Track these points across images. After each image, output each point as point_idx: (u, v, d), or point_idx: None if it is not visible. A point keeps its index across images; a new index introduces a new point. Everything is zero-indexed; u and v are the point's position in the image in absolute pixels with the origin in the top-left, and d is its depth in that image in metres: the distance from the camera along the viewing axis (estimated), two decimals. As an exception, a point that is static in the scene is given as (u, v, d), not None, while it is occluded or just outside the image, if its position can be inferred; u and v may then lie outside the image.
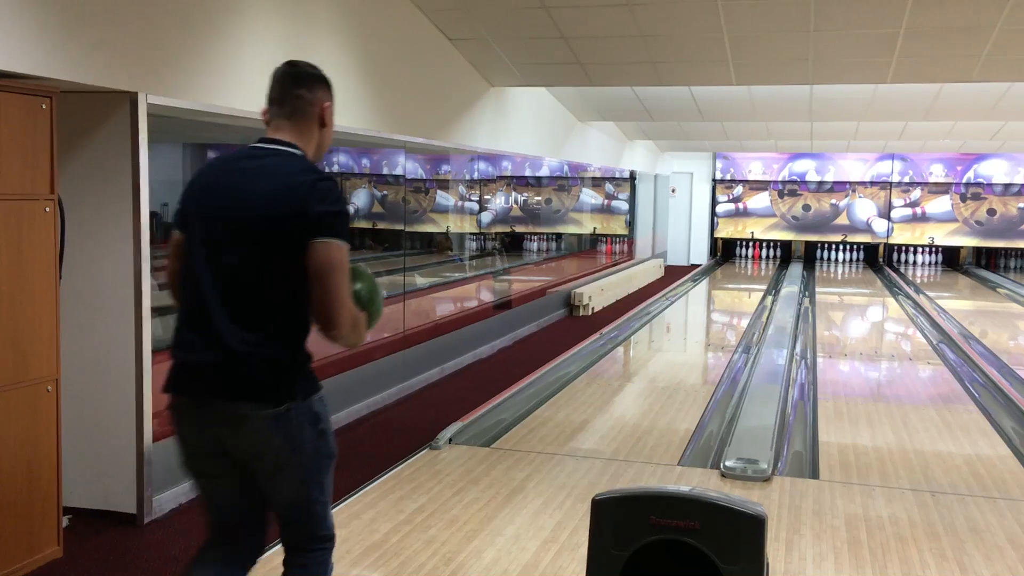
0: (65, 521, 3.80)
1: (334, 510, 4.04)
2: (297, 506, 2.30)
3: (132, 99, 3.91)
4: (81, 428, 4.06)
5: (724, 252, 18.78)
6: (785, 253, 18.39)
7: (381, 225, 10.92)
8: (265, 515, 2.39)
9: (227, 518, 2.38)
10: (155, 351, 4.17)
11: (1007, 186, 16.84)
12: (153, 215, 4.26)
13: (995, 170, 16.84)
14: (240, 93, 4.62)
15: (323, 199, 2.16)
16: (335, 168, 14.07)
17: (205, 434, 2.25)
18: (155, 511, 4.15)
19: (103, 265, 4.03)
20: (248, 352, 2.18)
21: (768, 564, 2.36)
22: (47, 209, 3.50)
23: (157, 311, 4.34)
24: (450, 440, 5.14)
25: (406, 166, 8.06)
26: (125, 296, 4.01)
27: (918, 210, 17.36)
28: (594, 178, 15.44)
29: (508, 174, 12.00)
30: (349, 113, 5.67)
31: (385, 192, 10.58)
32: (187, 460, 2.34)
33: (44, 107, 3.45)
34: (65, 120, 3.76)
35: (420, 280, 8.87)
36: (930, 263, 17.64)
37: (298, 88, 2.30)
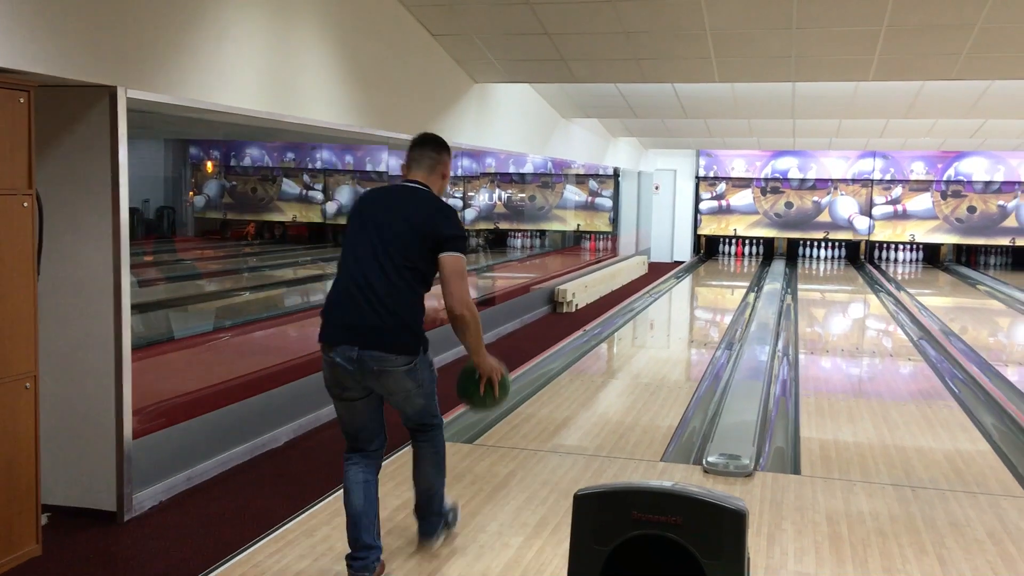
0: (44, 519, 3.76)
1: (317, 506, 4.05)
2: (419, 413, 3.45)
3: (111, 93, 3.88)
4: (60, 425, 4.03)
5: (707, 249, 18.84)
6: (768, 250, 18.47)
7: (365, 222, 10.87)
8: (382, 426, 3.45)
9: (357, 430, 3.41)
10: (135, 348, 4.14)
11: (987, 183, 16.97)
12: (133, 211, 4.23)
13: (975, 167, 16.97)
14: (223, 88, 4.59)
15: (451, 226, 3.34)
16: (318, 165, 14.01)
17: (355, 375, 3.26)
18: (135, 508, 4.12)
19: (82, 261, 3.99)
20: (395, 321, 3.24)
21: (749, 559, 2.36)
22: (25, 204, 3.47)
23: (137, 307, 4.31)
24: (433, 437, 5.13)
25: (389, 163, 8.04)
26: (104, 292, 3.97)
27: (899, 207, 17.47)
28: (578, 175, 15.46)
29: (492, 171, 11.99)
30: (332, 109, 5.64)
31: (369, 188, 10.55)
32: (333, 389, 3.35)
33: (22, 101, 3.42)
34: (43, 114, 3.73)
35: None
36: (911, 260, 17.75)
37: (431, 151, 3.49)
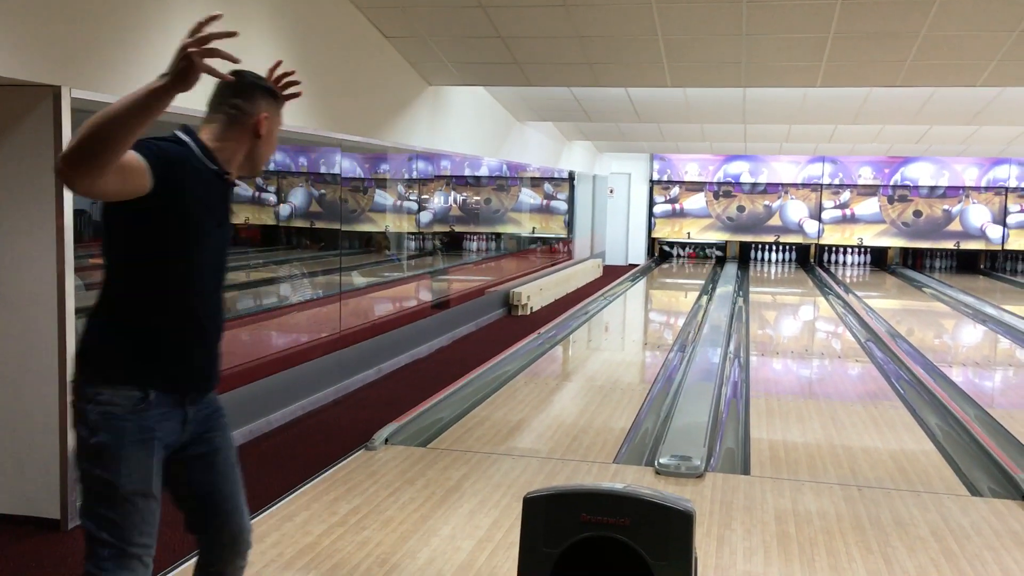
0: (-16, 528, 3.67)
1: (267, 512, 4.00)
2: (83, 496, 2.22)
3: (56, 93, 3.80)
4: (2, 432, 3.94)
5: (661, 252, 19.01)
6: (720, 253, 18.72)
7: (319, 224, 10.80)
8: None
9: None
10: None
11: (932, 188, 17.35)
12: (80, 213, 4.14)
13: (921, 173, 17.35)
14: (170, 88, 4.52)
15: None
16: (271, 167, 13.90)
17: None
18: (79, 516, 4.04)
19: (25, 264, 3.91)
20: (83, 340, 2.24)
21: (697, 559, 2.39)
22: (-36, 206, 3.38)
23: (81, 311, 4.22)
24: (386, 440, 5.11)
25: (343, 165, 7.99)
26: (48, 296, 3.89)
27: (847, 212, 17.79)
28: (533, 178, 15.49)
29: (447, 173, 11.98)
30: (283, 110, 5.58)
31: (323, 191, 10.47)
32: None
33: (-39, 100, 3.34)
34: (-16, 114, 3.64)
35: (357, 280, 8.79)
36: (859, 263, 18.09)
37: (235, 97, 2.30)
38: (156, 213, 2.10)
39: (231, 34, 1.95)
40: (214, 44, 1.93)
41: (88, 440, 2.13)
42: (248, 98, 2.30)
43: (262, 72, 2.40)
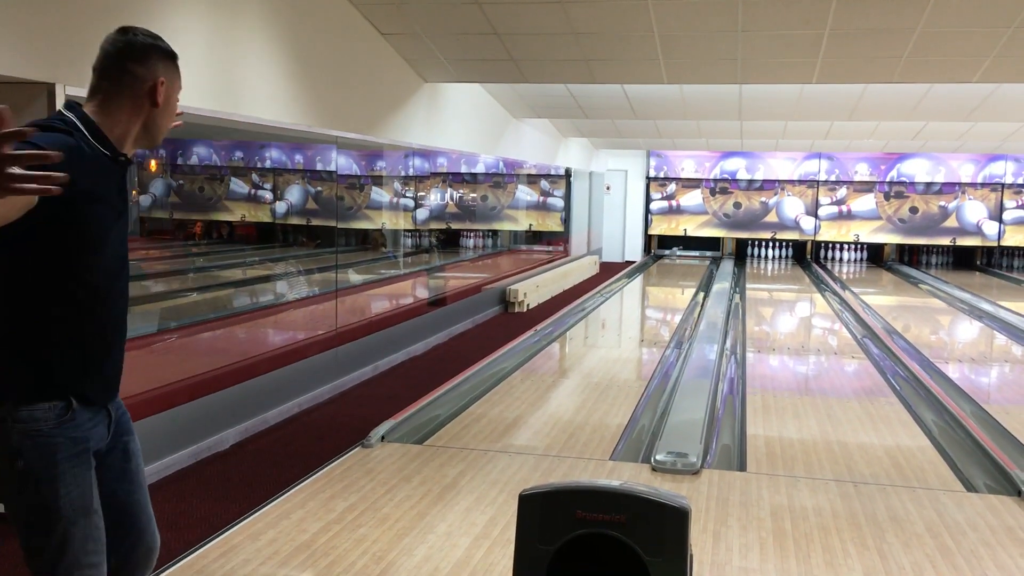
0: (-20, 527, 3.66)
1: (263, 510, 3.99)
2: (22, 537, 2.06)
3: (49, 90, 3.80)
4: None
5: (658, 249, 19.04)
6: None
7: (316, 221, 10.80)
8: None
9: None
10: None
11: (928, 185, 17.37)
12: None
13: (917, 169, 17.37)
14: (164, 86, 4.51)
15: None
16: (267, 164, 13.93)
17: None
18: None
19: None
20: None
21: (692, 555, 2.39)
22: (-42, 203, 3.37)
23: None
24: (382, 438, 5.11)
25: (339, 162, 7.98)
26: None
27: (844, 208, 17.80)
28: (530, 175, 15.49)
29: (444, 171, 11.97)
30: (278, 108, 5.58)
31: (319, 188, 10.46)
32: None
33: (-45, 98, 3.32)
34: (-22, 111, 3.63)
35: (354, 277, 8.79)
36: (855, 260, 18.11)
37: (127, 61, 2.03)
38: (44, 227, 1.85)
39: (44, 155, 1.56)
40: (30, 164, 1.53)
41: (11, 466, 1.94)
42: (142, 61, 2.03)
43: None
